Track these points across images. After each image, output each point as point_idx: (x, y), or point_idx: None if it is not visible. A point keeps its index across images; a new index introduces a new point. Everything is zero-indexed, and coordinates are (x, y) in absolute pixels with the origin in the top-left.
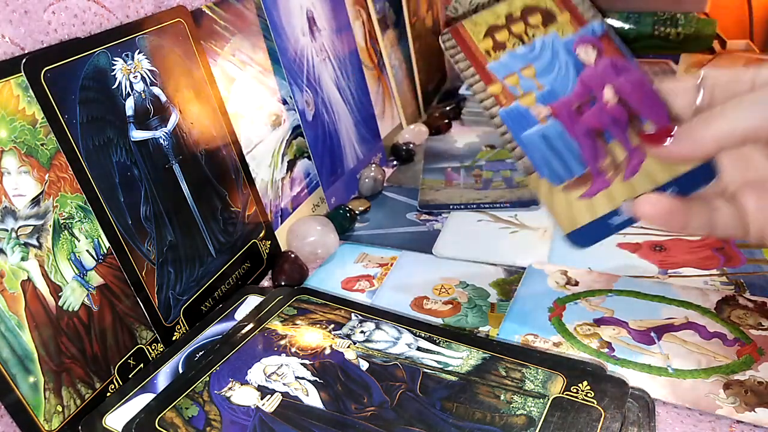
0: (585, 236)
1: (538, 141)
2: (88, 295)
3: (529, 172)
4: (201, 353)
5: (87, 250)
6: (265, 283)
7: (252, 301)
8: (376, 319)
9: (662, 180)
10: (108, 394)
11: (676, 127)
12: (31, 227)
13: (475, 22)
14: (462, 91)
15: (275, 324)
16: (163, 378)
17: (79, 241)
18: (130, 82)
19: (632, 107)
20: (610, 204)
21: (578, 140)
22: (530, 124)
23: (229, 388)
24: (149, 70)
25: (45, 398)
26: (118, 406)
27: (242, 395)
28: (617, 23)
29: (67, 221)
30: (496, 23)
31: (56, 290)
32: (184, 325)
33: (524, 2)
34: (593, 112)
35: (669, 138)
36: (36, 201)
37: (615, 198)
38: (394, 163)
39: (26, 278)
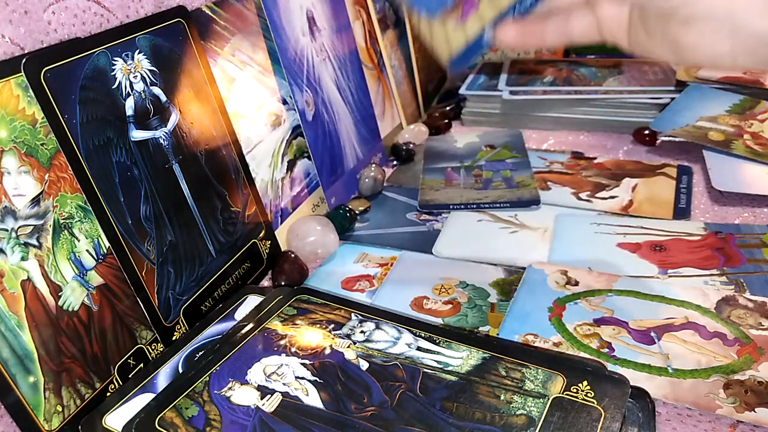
0: (463, 58)
1: None
2: (88, 295)
3: (410, 12)
4: (201, 353)
5: (87, 250)
6: (265, 283)
7: (252, 301)
8: (376, 319)
9: None
10: (108, 394)
11: None
12: (31, 227)
13: None
14: (462, 91)
15: (275, 324)
16: (163, 378)
17: (79, 241)
18: (130, 82)
19: None
20: (480, 22)
21: None
22: None
23: (229, 388)
24: (149, 70)
25: (45, 398)
26: (118, 406)
27: (242, 395)
28: None
29: (67, 221)
30: None
31: (56, 290)
32: (184, 325)
33: None
34: None
35: None
36: (36, 201)
37: (484, 17)
38: (394, 163)
39: (26, 278)
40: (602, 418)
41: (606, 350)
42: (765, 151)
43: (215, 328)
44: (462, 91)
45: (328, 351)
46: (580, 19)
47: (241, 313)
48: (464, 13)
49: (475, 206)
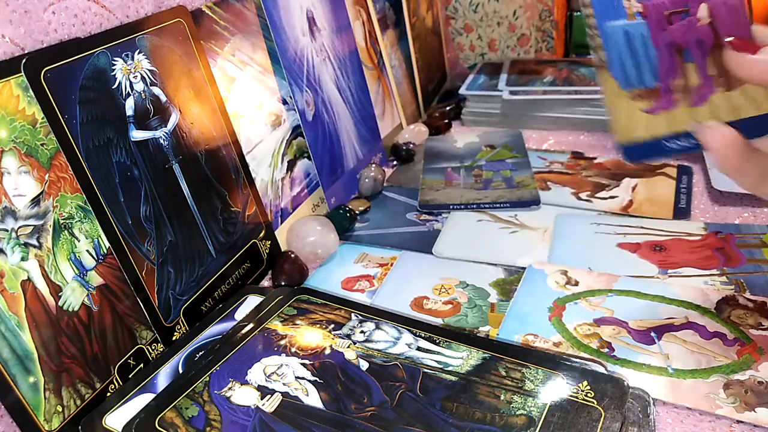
0: (636, 151)
1: (620, 36)
2: (88, 295)
3: (602, 66)
4: (201, 353)
5: (87, 250)
6: (265, 283)
7: (252, 301)
8: (376, 319)
9: (726, 117)
10: (108, 394)
11: (763, 47)
12: (31, 227)
13: None
14: (462, 91)
15: (275, 324)
16: (163, 378)
17: (79, 241)
18: (130, 82)
19: (720, 33)
20: (670, 126)
21: (659, 50)
22: (618, 15)
23: (229, 388)
24: (149, 70)
25: (45, 398)
26: (118, 406)
27: (242, 395)
28: None
29: (67, 221)
30: None
31: (56, 290)
32: (184, 325)
33: None
34: (682, 26)
35: (755, 52)
36: (36, 201)
37: (676, 121)
38: (394, 163)
39: (26, 278)
40: (602, 418)
41: (606, 350)
42: None
43: (215, 328)
44: (462, 91)
45: (328, 351)
46: None
47: (241, 313)
48: (658, 106)
49: (475, 206)
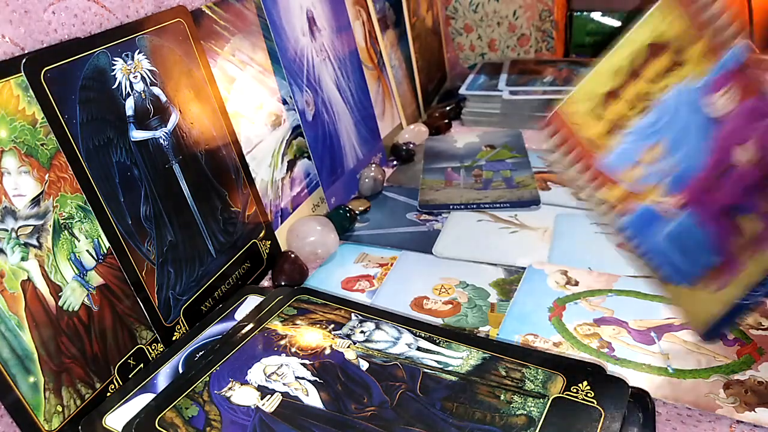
0: (717, 329)
1: (670, 242)
2: (88, 295)
3: (657, 275)
4: (201, 353)
5: (87, 250)
6: (265, 283)
7: (252, 301)
8: (376, 319)
9: None
10: (108, 394)
11: None
12: (31, 227)
13: (576, 99)
14: (462, 91)
15: (275, 324)
16: (163, 378)
17: (79, 241)
18: (130, 82)
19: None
20: (741, 287)
21: (710, 225)
22: (658, 225)
23: (229, 388)
24: (149, 70)
25: (45, 398)
26: (118, 406)
27: (242, 395)
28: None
29: (67, 221)
30: (607, 88)
31: (56, 290)
32: (184, 325)
33: (640, 39)
34: (729, 184)
35: None
36: (36, 201)
37: (746, 278)
38: (394, 163)
39: (26, 278)
40: (602, 418)
41: (606, 350)
42: None
43: (215, 328)
44: (462, 91)
45: (328, 351)
46: None
47: (241, 313)
48: (726, 280)
49: (475, 206)
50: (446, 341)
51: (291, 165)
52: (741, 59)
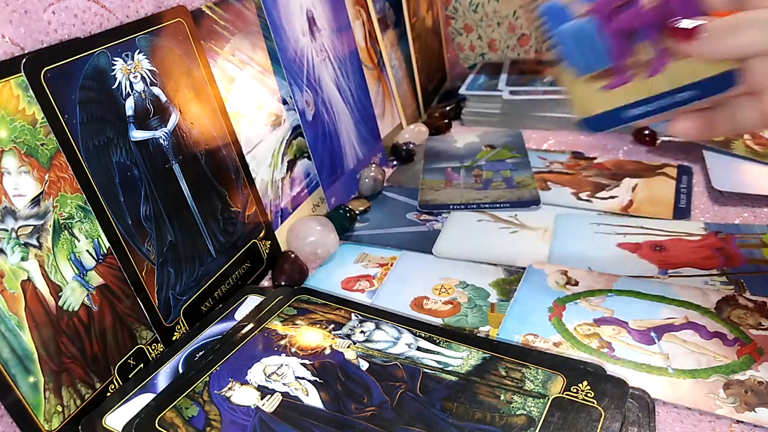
0: (597, 123)
1: (572, 33)
2: (88, 295)
3: (557, 62)
4: (201, 353)
5: (87, 250)
6: (265, 283)
7: (252, 301)
8: (376, 319)
9: (681, 84)
10: (108, 394)
11: (703, 27)
12: (31, 227)
13: None
14: (462, 91)
15: (275, 324)
16: (163, 378)
17: (79, 241)
18: (130, 82)
19: (669, 10)
20: (626, 97)
21: (610, 38)
22: (566, 19)
23: (229, 388)
24: (149, 70)
25: (45, 398)
26: (118, 406)
27: (242, 395)
28: None
29: (67, 221)
30: None
31: (56, 290)
32: (184, 325)
33: None
34: (630, 14)
35: (696, 37)
36: (36, 201)
37: (632, 92)
38: (394, 163)
39: (26, 278)
40: (602, 418)
41: (606, 350)
42: (765, 151)
43: (215, 328)
44: (462, 91)
45: (328, 351)
46: (747, 109)
47: (241, 313)
48: (614, 83)
49: (475, 206)
50: (446, 341)
51: (291, 165)
52: None
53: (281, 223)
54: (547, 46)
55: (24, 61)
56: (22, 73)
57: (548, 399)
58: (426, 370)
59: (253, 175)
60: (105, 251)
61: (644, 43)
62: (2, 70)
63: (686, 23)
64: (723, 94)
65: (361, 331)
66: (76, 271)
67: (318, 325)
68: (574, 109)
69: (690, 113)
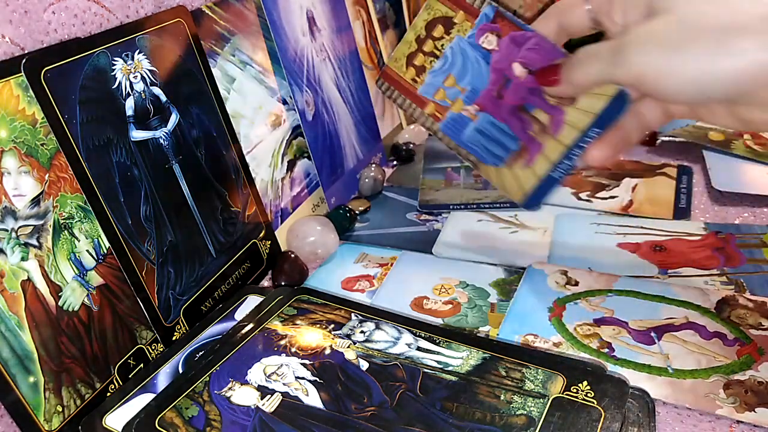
0: (535, 198)
1: (475, 136)
2: (88, 295)
3: (477, 165)
4: (201, 353)
5: (87, 250)
6: (265, 283)
7: (252, 301)
8: (376, 319)
9: (585, 125)
10: (108, 394)
11: (560, 66)
12: (31, 227)
13: (395, 58)
14: None
15: (275, 324)
16: (163, 378)
17: (79, 241)
18: (130, 82)
19: (540, 70)
20: (547, 163)
21: (506, 121)
22: (465, 125)
23: (229, 388)
24: (149, 70)
25: (45, 398)
26: (118, 406)
27: (242, 395)
28: None
29: (67, 221)
30: (411, 50)
31: (56, 290)
32: (184, 325)
33: (423, 19)
34: (510, 92)
35: (559, 76)
36: (36, 201)
37: (550, 156)
38: (394, 163)
39: (26, 278)
40: (602, 418)
41: (606, 350)
42: (765, 150)
43: (215, 328)
44: None
45: (328, 351)
46: (649, 110)
47: (241, 313)
48: (530, 156)
49: (475, 206)
50: (446, 341)
51: (291, 165)
52: (491, 16)
53: (281, 223)
54: (463, 156)
55: (24, 61)
56: (22, 73)
57: (548, 399)
58: (426, 370)
59: (253, 175)
60: (105, 251)
61: (536, 110)
62: (2, 70)
63: (543, 69)
64: (624, 112)
65: (361, 331)
66: (76, 271)
67: (318, 325)
68: (510, 196)
69: (599, 141)
